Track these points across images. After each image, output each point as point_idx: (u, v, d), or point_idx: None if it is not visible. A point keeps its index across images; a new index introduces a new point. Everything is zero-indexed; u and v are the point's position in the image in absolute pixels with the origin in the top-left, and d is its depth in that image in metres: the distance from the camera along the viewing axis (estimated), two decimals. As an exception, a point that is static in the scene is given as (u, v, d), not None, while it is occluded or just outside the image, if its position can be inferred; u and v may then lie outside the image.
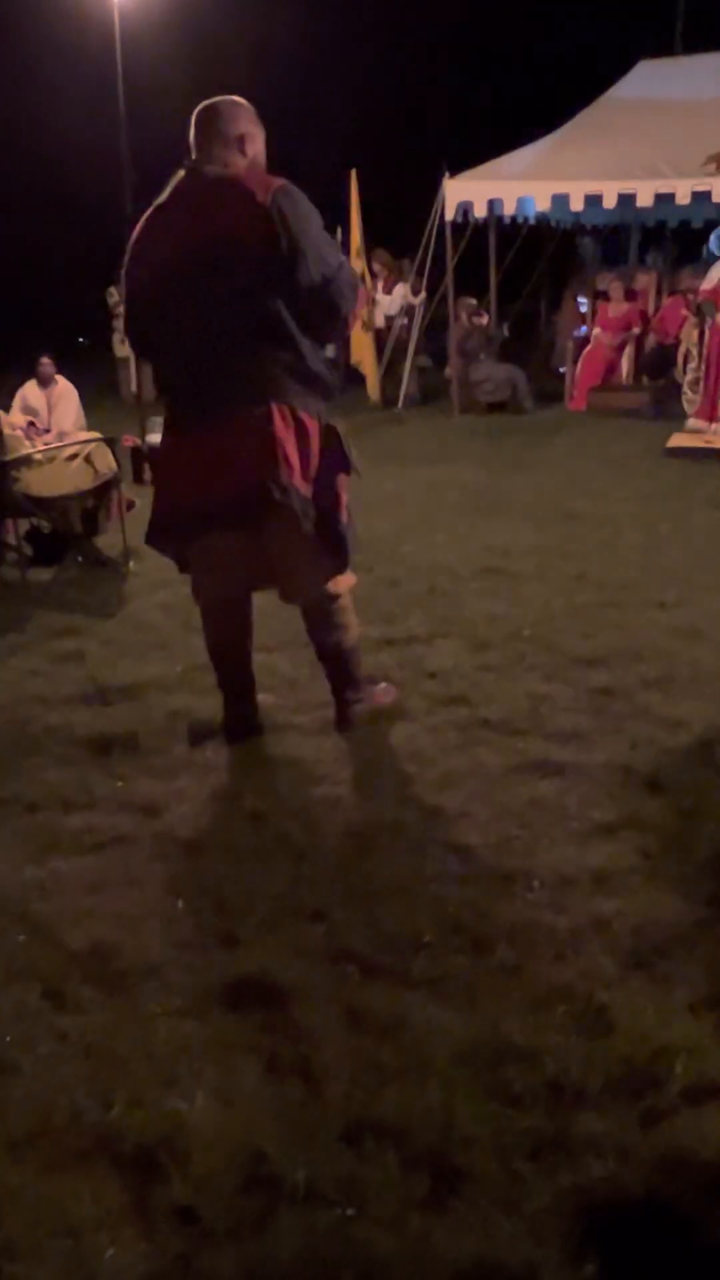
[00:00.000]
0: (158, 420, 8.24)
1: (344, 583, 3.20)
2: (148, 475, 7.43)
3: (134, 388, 9.48)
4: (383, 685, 3.53)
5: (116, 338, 11.89)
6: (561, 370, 11.45)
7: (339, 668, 3.33)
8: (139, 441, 7.53)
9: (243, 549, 3.07)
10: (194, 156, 2.96)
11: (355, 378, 10.98)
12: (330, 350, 3.18)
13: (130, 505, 5.64)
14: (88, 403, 7.91)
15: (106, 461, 5.49)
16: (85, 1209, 1.69)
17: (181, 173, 2.96)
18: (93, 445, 5.52)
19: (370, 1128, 1.79)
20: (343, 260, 3.00)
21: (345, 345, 10.85)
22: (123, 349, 11.61)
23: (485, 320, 10.83)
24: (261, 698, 3.43)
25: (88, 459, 5.44)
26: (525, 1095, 1.85)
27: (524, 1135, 1.77)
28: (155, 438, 7.60)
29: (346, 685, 3.34)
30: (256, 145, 2.99)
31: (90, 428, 7.09)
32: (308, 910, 2.41)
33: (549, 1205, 1.65)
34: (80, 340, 17.52)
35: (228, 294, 2.85)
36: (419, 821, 2.77)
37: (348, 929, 2.34)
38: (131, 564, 5.28)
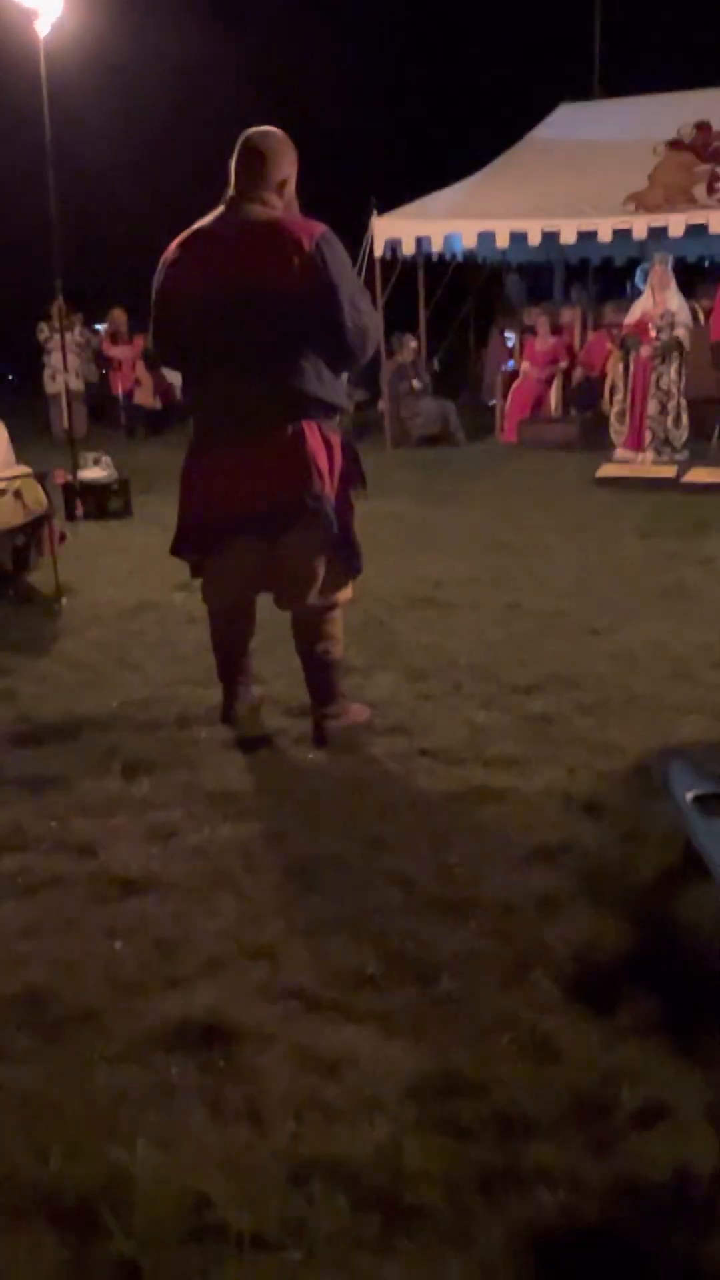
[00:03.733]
0: (89, 456, 8.22)
1: (343, 595, 3.41)
2: (79, 510, 7.38)
3: (65, 424, 9.40)
4: (357, 705, 3.59)
5: (47, 374, 11.78)
6: (491, 403, 11.64)
7: (323, 679, 3.43)
8: (70, 477, 7.46)
9: (258, 557, 3.29)
10: (234, 191, 3.18)
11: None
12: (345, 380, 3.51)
13: (62, 538, 5.57)
14: (18, 440, 7.79)
15: (37, 497, 5.42)
16: (22, 1269, 1.62)
17: (223, 207, 3.19)
18: (21, 481, 5.45)
19: (318, 1168, 1.76)
20: (371, 307, 3.27)
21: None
22: (53, 385, 11.51)
23: (415, 347, 10.96)
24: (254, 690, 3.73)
25: (17, 495, 5.36)
26: (474, 1128, 1.83)
27: (474, 1169, 1.75)
28: (87, 473, 7.57)
29: (326, 699, 3.44)
30: (292, 185, 3.23)
31: (20, 465, 6.99)
32: (250, 948, 2.37)
33: (501, 1239, 1.62)
34: (9, 377, 17.37)
35: (268, 328, 3.08)
36: (361, 853, 2.75)
37: (291, 965, 2.30)
38: (64, 601, 5.21)
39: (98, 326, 12.99)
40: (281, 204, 3.20)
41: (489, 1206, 1.68)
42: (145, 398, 12.42)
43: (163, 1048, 2.06)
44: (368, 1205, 1.69)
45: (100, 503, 7.46)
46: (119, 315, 12.44)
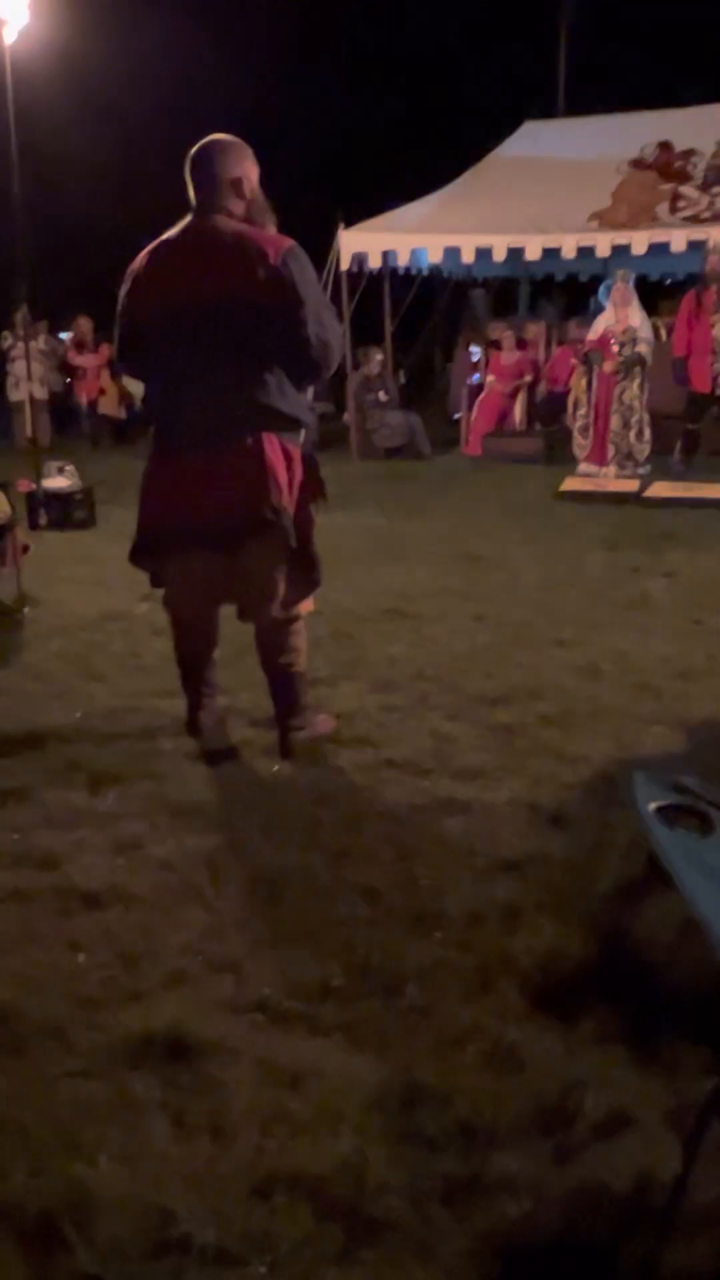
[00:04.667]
0: (53, 465, 8.18)
1: (304, 606, 3.41)
2: (43, 520, 7.33)
3: (29, 433, 9.35)
4: (323, 715, 3.60)
5: (11, 382, 11.71)
6: (457, 416, 11.71)
7: (288, 691, 3.43)
8: (34, 486, 7.41)
9: (218, 568, 3.28)
10: (195, 201, 3.18)
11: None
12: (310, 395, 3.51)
13: (25, 548, 5.53)
14: (-20, 448, 7.79)
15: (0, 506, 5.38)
16: (-17, 1287, 1.60)
17: (190, 217, 3.18)
18: (-17, 490, 5.41)
19: (282, 1181, 1.75)
20: (335, 322, 3.28)
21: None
22: (17, 393, 11.44)
23: (381, 359, 11.01)
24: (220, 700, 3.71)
25: (-20, 504, 5.32)
26: (438, 1138, 1.84)
27: (438, 1179, 1.76)
28: (51, 482, 7.53)
29: (291, 711, 3.43)
30: (252, 183, 3.22)
31: (-17, 473, 6.95)
32: (215, 961, 2.36)
33: (465, 1249, 1.63)
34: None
35: (232, 340, 3.09)
36: (326, 865, 2.75)
37: (256, 978, 2.30)
38: (27, 611, 5.17)
39: (62, 335, 12.92)
40: (243, 205, 3.18)
41: (452, 1217, 1.69)
42: (110, 407, 12.37)
43: (126, 1062, 2.05)
44: (331, 1217, 1.69)
45: (64, 512, 7.41)
46: (84, 324, 12.38)
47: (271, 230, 3.21)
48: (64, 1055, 2.08)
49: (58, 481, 7.57)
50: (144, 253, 3.26)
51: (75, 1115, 1.92)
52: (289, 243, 3.12)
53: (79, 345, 12.39)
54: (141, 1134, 1.88)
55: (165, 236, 3.23)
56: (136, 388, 3.56)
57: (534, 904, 2.54)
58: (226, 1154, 1.83)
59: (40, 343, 11.66)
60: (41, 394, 11.36)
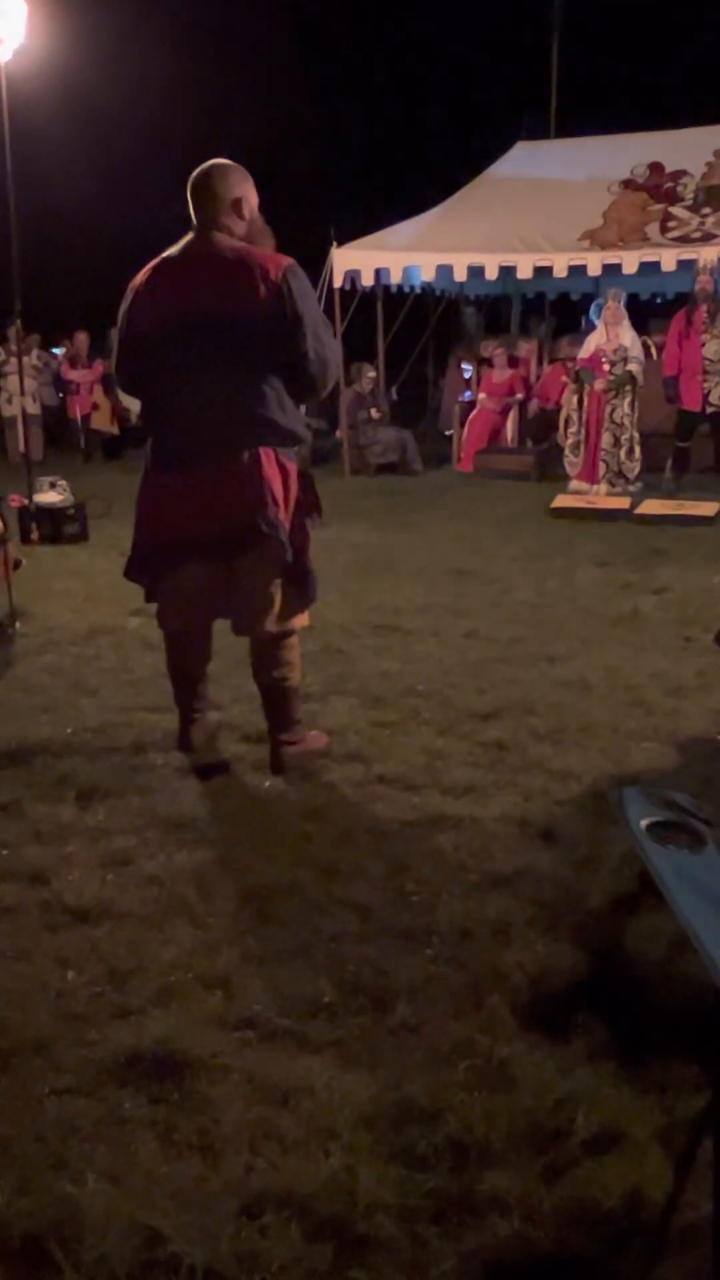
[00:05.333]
0: (46, 480, 8.18)
1: (299, 621, 3.41)
2: (35, 535, 7.32)
3: (21, 447, 9.35)
4: (315, 732, 3.59)
5: (3, 397, 11.72)
6: (448, 433, 11.76)
7: (279, 706, 3.43)
8: (26, 501, 7.41)
9: (213, 582, 3.28)
10: (196, 220, 3.22)
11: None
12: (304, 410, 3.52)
13: (17, 564, 5.52)
14: (-27, 462, 7.79)
15: (-8, 521, 5.37)
16: (-32, 1307, 1.59)
17: (191, 235, 3.22)
18: (-24, 505, 5.41)
19: (271, 1200, 1.74)
20: (334, 341, 3.31)
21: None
22: (10, 408, 11.45)
23: (373, 376, 11.06)
24: (212, 715, 3.70)
25: (-28, 519, 5.31)
26: (429, 1156, 1.83)
27: (428, 1198, 1.74)
28: (43, 498, 7.53)
29: (283, 726, 3.43)
30: (251, 205, 3.26)
31: (-25, 487, 6.93)
32: (205, 977, 2.35)
33: (455, 1268, 1.62)
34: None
35: (232, 355, 3.12)
36: (316, 880, 2.74)
37: (246, 994, 2.29)
38: (18, 625, 5.15)
39: (55, 350, 12.95)
40: (244, 225, 3.22)
41: (443, 1235, 1.68)
42: (103, 422, 12.39)
43: (114, 1079, 2.03)
44: (321, 1236, 1.68)
45: (56, 527, 7.41)
46: (81, 339, 12.42)
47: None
48: (52, 1072, 2.06)
49: (50, 496, 7.57)
50: (145, 269, 3.28)
51: (63, 1133, 1.90)
52: (289, 261, 3.15)
53: (73, 360, 12.42)
54: (130, 1152, 1.86)
55: (166, 254, 3.26)
56: (131, 403, 3.55)
57: (525, 920, 2.54)
58: (216, 1172, 1.82)
59: (33, 358, 11.69)
60: (34, 409, 11.37)
